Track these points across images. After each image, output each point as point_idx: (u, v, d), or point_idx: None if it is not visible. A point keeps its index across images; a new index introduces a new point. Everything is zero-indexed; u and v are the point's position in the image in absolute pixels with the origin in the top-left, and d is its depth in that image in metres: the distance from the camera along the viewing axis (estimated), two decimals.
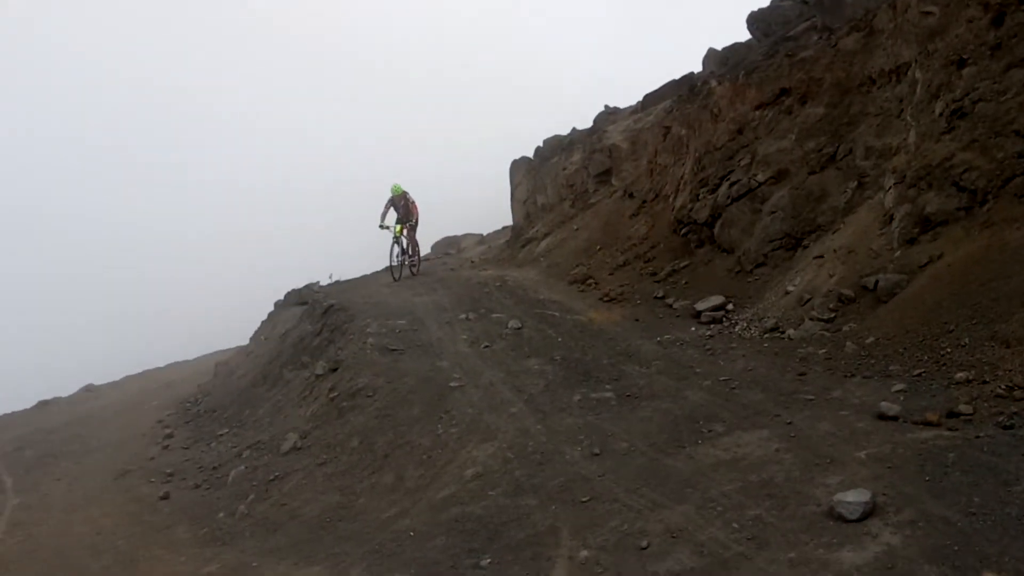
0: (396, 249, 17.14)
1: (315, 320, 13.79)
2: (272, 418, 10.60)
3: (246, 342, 18.80)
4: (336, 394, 9.76)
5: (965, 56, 8.83)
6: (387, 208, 17.11)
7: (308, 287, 19.05)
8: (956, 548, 4.24)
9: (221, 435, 10.99)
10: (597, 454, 6.87)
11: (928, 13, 9.55)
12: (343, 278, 20.88)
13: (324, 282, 20.21)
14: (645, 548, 5.11)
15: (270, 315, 19.42)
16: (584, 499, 6.05)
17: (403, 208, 17.24)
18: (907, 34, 10.19)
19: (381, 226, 17.05)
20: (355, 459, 8.17)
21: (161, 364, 22.29)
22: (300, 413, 10.06)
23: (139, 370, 21.81)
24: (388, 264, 17.28)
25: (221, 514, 8.00)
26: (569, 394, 8.54)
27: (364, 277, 21.02)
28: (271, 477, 8.41)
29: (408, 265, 17.26)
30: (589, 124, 20.92)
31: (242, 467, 9.00)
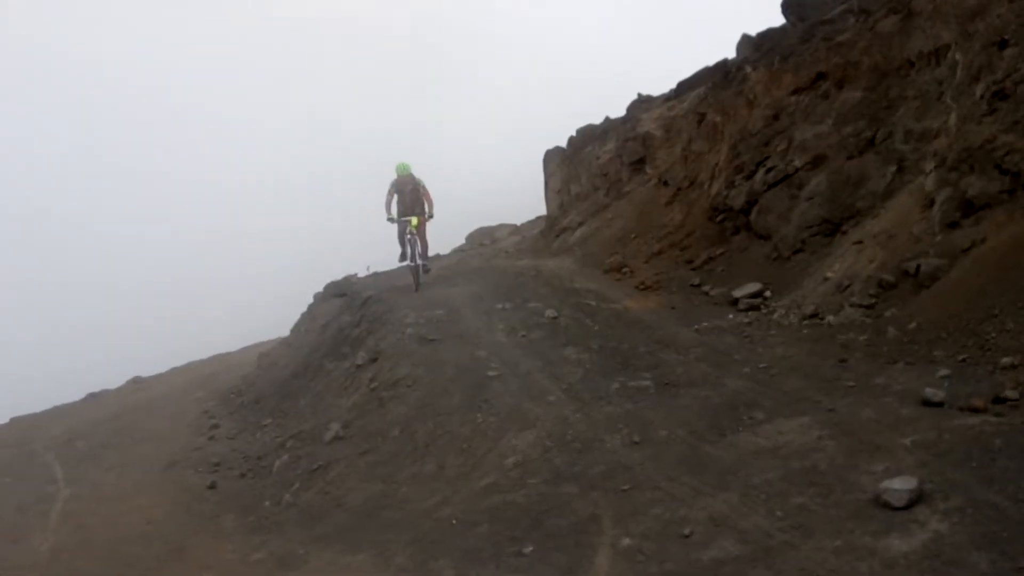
0: (409, 250, 14.34)
1: (354, 311, 13.95)
2: (314, 408, 10.75)
3: (287, 334, 19.04)
4: (376, 384, 9.87)
5: (1007, 37, 8.68)
6: (391, 194, 14.23)
7: (346, 279, 19.28)
8: (1005, 535, 4.21)
9: (265, 425, 11.18)
10: (637, 442, 6.89)
11: None
12: (380, 270, 21.10)
13: (362, 274, 20.43)
14: (688, 536, 5.12)
15: (310, 307, 19.64)
16: (625, 487, 6.07)
17: (411, 194, 14.20)
18: (946, 15, 10.03)
19: (390, 218, 14.23)
20: (396, 448, 8.27)
21: (205, 356, 22.64)
22: (341, 403, 10.19)
23: (184, 362, 22.18)
24: (407, 265, 14.83)
25: (267, 503, 8.15)
26: (607, 382, 8.55)
27: (400, 268, 21.20)
28: (315, 466, 8.55)
29: (422, 269, 14.47)
30: (622, 113, 20.85)
31: (286, 456, 9.15)
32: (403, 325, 11.47)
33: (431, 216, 14.38)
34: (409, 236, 14.20)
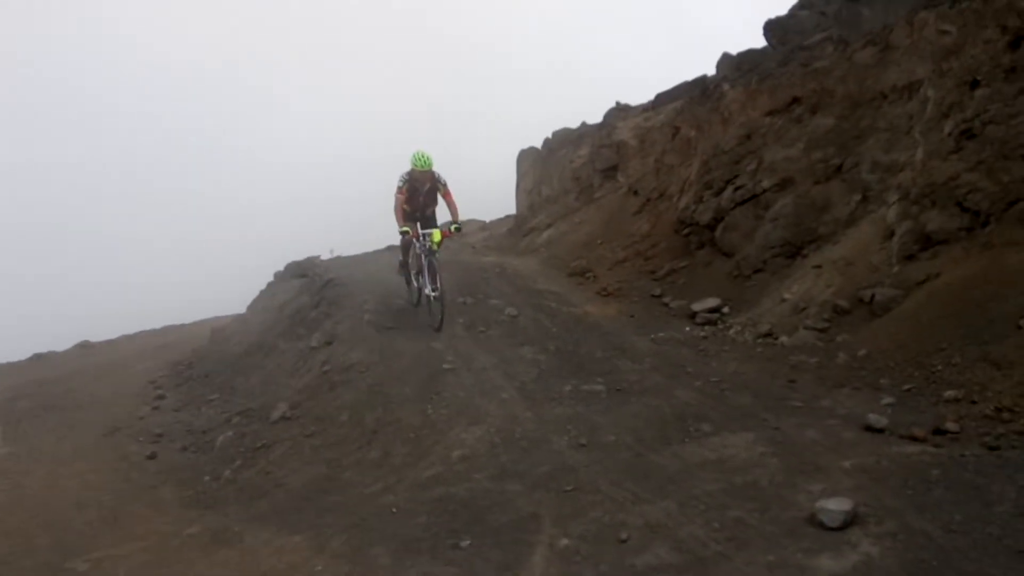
0: (424, 276, 10.65)
1: (313, 293, 13.82)
2: (264, 387, 10.62)
3: (243, 310, 18.79)
4: (329, 368, 9.79)
5: (979, 77, 8.85)
6: (403, 192, 10.59)
7: (309, 260, 19.04)
8: (935, 563, 4.29)
9: (212, 400, 11.02)
10: (583, 445, 6.92)
11: (945, 32, 9.57)
12: (344, 254, 20.90)
13: (325, 256, 20.21)
14: (625, 541, 5.15)
15: (269, 285, 19.40)
16: (568, 488, 6.09)
17: (428, 196, 10.85)
18: (922, 51, 10.21)
19: (403, 230, 10.56)
20: (343, 433, 8.20)
21: (157, 326, 22.26)
22: (292, 384, 10.09)
23: (135, 330, 21.78)
24: (414, 292, 11.57)
25: (207, 478, 8.03)
26: (560, 384, 8.58)
27: (366, 254, 21.03)
28: (259, 445, 8.44)
29: (437, 299, 10.49)
30: (599, 119, 20.93)
31: (230, 433, 9.03)
32: (361, 311, 11.40)
33: (459, 228, 10.92)
34: (425, 257, 10.51)
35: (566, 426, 7.39)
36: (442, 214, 11.19)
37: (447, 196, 10.74)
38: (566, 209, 18.10)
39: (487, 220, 26.89)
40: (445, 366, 9.19)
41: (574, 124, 21.69)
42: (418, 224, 10.67)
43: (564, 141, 20.61)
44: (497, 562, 5.22)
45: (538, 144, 22.23)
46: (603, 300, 12.39)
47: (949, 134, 9.01)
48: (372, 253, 20.45)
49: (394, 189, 10.62)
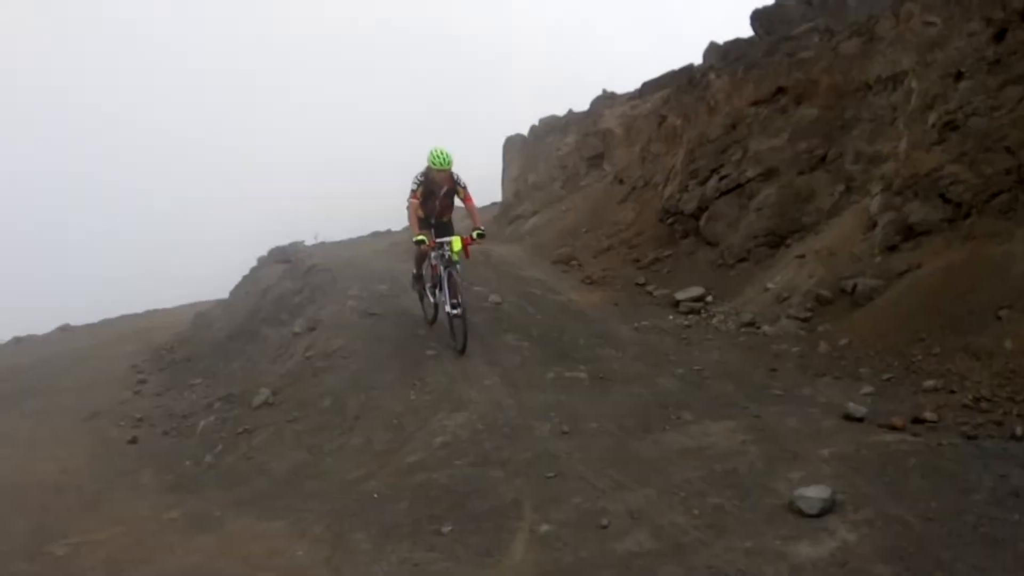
0: (443, 290, 9.28)
1: (297, 278, 13.75)
2: (246, 372, 10.56)
3: (226, 296, 18.67)
4: (312, 353, 9.75)
5: (963, 69, 8.88)
6: (417, 196, 9.26)
7: (293, 245, 18.94)
8: (911, 550, 4.33)
9: (194, 385, 10.95)
10: (566, 432, 6.93)
11: (930, 23, 9.60)
12: (329, 240, 20.83)
13: (310, 242, 20.13)
14: (605, 527, 5.17)
15: (252, 270, 19.26)
16: (550, 475, 6.11)
17: (445, 199, 9.58)
18: (907, 43, 10.24)
19: (419, 239, 9.14)
20: (326, 419, 8.17)
21: (139, 311, 22.06)
22: (274, 369, 10.03)
23: (117, 315, 21.58)
24: (427, 305, 10.28)
25: (188, 462, 7.99)
26: (543, 371, 8.58)
27: (350, 240, 20.97)
28: (240, 430, 8.40)
29: (459, 317, 9.10)
30: (586, 107, 20.91)
31: (212, 418, 8.97)
32: (345, 297, 11.36)
33: (482, 234, 9.54)
34: (444, 268, 9.21)
35: (548, 413, 7.40)
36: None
37: (467, 200, 9.52)
38: (552, 197, 18.10)
39: None
40: (428, 352, 9.19)
41: (561, 112, 21.69)
42: (433, 231, 9.49)
43: (551, 129, 20.59)
44: (478, 548, 5.23)
45: (525, 131, 22.21)
46: (587, 288, 12.41)
47: (932, 125, 9.04)
48: (357, 239, 20.40)
49: (407, 192, 9.28)
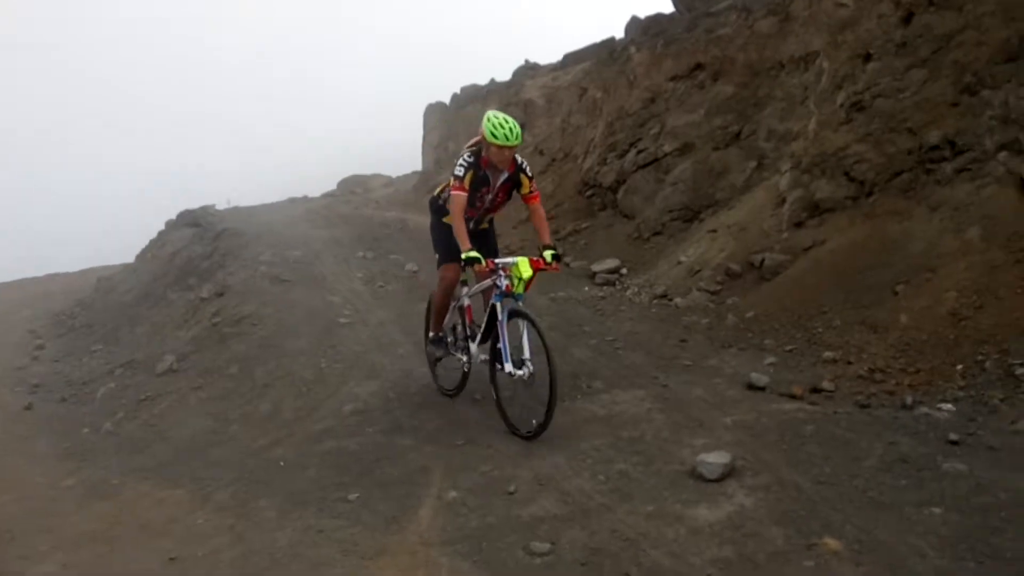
0: (502, 338, 6.17)
1: (206, 243, 13.40)
2: (150, 338, 10.26)
3: (132, 261, 18.04)
4: (219, 319, 9.54)
5: (871, 51, 9.12)
6: (465, 186, 6.07)
7: (203, 209, 18.36)
8: (803, 514, 4.48)
9: (95, 351, 10.58)
10: (478, 400, 6.95)
11: (842, 5, 9.80)
12: (243, 205, 20.29)
13: (222, 206, 19.56)
14: (512, 493, 5.21)
15: (160, 234, 18.64)
16: (459, 443, 6.12)
17: (500, 189, 6.35)
18: (820, 23, 10.45)
19: (471, 256, 5.89)
20: (232, 386, 8.01)
21: (39, 274, 21.14)
22: (180, 335, 9.77)
23: (14, 278, 20.65)
24: (448, 365, 7.22)
25: (86, 430, 7.74)
26: None
27: (265, 205, 20.47)
28: (142, 397, 8.17)
29: (528, 381, 5.99)
30: (508, 77, 20.82)
31: (113, 384, 8.70)
32: (256, 262, 11.13)
33: (558, 255, 6.37)
34: (503, 311, 6.17)
35: None
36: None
37: (533, 198, 6.40)
38: None
39: (393, 176, 26.53)
40: (341, 320, 9.08)
41: (483, 81, 21.56)
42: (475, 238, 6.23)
43: (472, 97, 20.44)
44: (385, 514, 5.21)
45: (446, 100, 21.99)
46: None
47: (841, 105, 9.28)
48: (272, 205, 19.94)
49: (448, 180, 6.25)
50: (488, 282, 6.33)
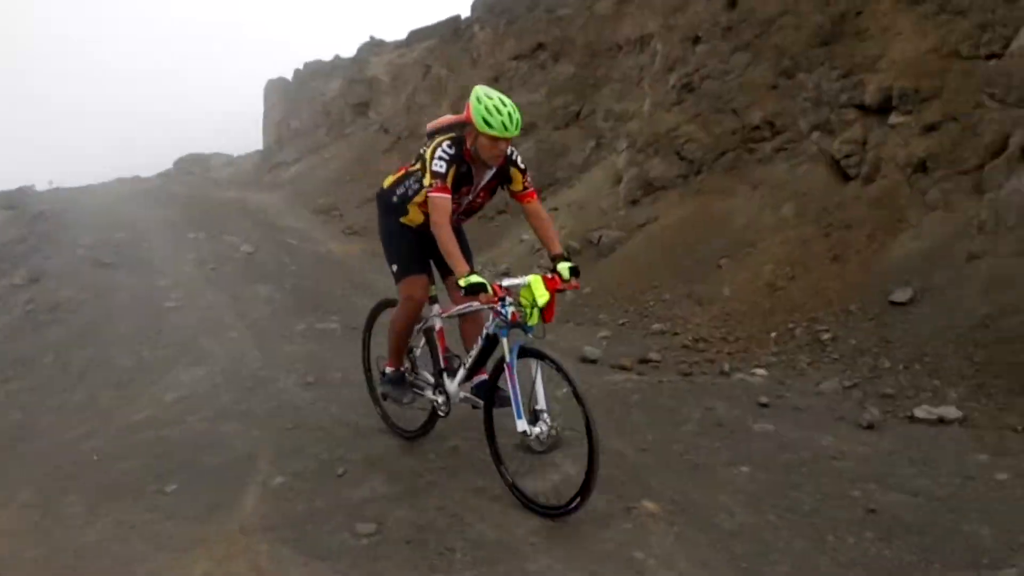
0: (510, 388, 4.43)
1: (22, 226, 12.43)
2: None
3: None
4: (33, 306, 8.85)
5: (700, 34, 9.48)
6: (447, 185, 4.43)
7: (20, 190, 17.01)
8: (623, 479, 4.60)
9: None
10: (311, 383, 6.76)
11: None
12: (67, 186, 18.95)
13: (42, 188, 18.21)
14: (341, 475, 5.07)
15: None
16: (288, 427, 5.91)
17: (485, 188, 4.86)
18: (654, 6, 10.78)
19: (473, 283, 4.20)
20: (46, 376, 7.45)
21: None
22: None
23: None
24: (403, 404, 5.37)
25: None
26: (294, 322, 8.32)
27: (90, 186, 19.18)
28: None
29: (548, 441, 4.52)
30: (353, 53, 20.40)
31: None
32: (76, 246, 10.43)
33: (576, 270, 4.71)
34: (510, 352, 4.50)
35: (295, 364, 7.19)
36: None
37: (528, 197, 4.98)
38: (315, 144, 17.55)
39: (234, 155, 25.51)
40: (168, 304, 8.63)
41: (327, 56, 21.04)
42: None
43: (316, 74, 19.92)
44: (207, 503, 4.94)
45: (288, 75, 21.31)
46: (347, 238, 12.20)
47: (673, 87, 9.61)
48: (99, 186, 18.71)
49: (425, 177, 4.53)
50: (477, 305, 4.66)
